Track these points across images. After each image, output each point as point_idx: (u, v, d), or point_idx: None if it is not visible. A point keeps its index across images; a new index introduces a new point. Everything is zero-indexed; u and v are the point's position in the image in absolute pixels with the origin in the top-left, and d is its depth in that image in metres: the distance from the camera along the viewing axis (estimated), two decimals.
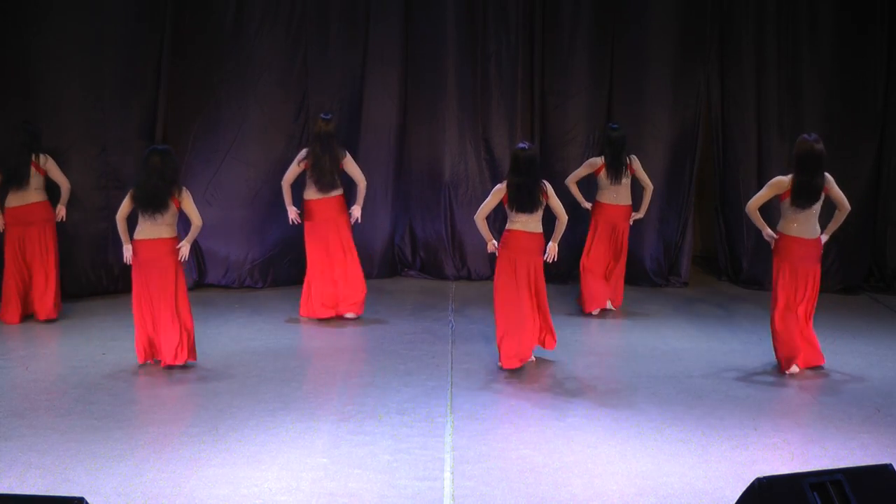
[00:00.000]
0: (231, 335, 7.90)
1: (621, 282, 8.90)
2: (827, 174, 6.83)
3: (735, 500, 3.73)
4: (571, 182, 8.76)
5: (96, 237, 8.93)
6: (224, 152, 9.33)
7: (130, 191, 6.82)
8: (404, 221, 10.38)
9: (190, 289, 9.37)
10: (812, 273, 6.93)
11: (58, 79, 8.84)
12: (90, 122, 8.88)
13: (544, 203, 6.92)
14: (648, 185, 8.77)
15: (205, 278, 9.59)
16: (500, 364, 6.90)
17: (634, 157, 8.77)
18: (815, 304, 7.00)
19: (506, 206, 6.91)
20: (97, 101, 8.92)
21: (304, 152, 8.18)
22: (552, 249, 7.07)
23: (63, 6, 8.86)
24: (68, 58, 8.87)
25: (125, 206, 6.83)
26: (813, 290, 6.95)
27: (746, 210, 7.12)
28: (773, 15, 9.97)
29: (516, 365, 6.88)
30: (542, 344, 7.13)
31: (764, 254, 9.82)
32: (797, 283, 6.88)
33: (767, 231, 7.02)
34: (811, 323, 7.01)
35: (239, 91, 9.50)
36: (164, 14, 9.18)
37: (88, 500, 3.38)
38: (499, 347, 6.91)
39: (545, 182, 6.98)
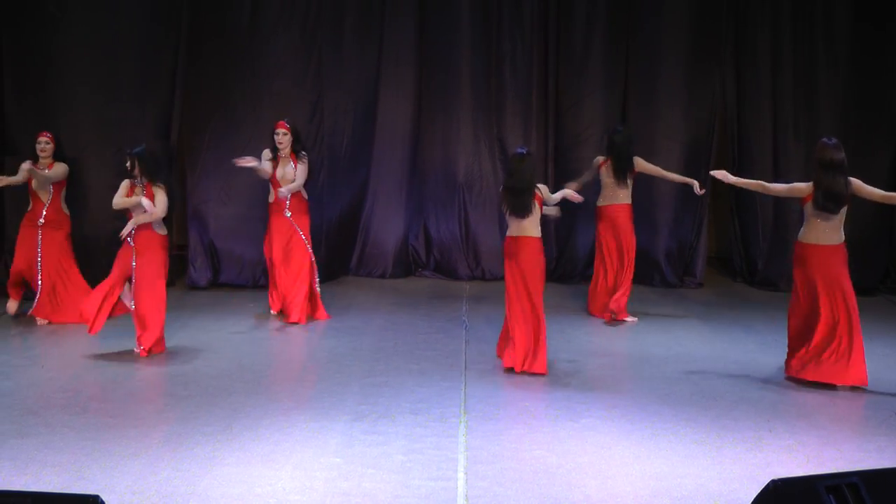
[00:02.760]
0: (245, 334, 7.92)
1: (626, 288, 8.50)
2: (853, 179, 6.55)
3: (750, 502, 3.72)
4: (571, 185, 8.24)
5: (113, 236, 8.97)
6: (239, 152, 9.34)
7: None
8: (418, 221, 10.39)
9: (204, 288, 9.47)
10: (834, 281, 6.57)
11: (74, 79, 8.90)
12: (106, 122, 8.94)
13: (537, 207, 6.91)
14: (665, 173, 8.62)
15: (219, 278, 9.63)
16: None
17: (638, 159, 8.54)
18: (849, 316, 6.55)
19: (504, 210, 6.99)
20: (113, 101, 8.98)
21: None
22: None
23: (80, 7, 8.91)
24: (85, 58, 8.93)
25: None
26: (841, 301, 6.57)
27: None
28: (788, 15, 9.94)
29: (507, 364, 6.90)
30: (525, 365, 6.83)
31: (779, 255, 9.79)
32: (815, 292, 6.60)
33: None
34: (844, 336, 6.57)
35: (254, 91, 9.53)
36: (180, 15, 9.23)
37: (103, 498, 3.39)
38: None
39: (539, 186, 6.96)
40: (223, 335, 7.80)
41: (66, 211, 8.13)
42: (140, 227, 7.07)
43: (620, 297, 8.44)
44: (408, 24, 10.06)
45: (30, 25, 8.80)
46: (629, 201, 8.56)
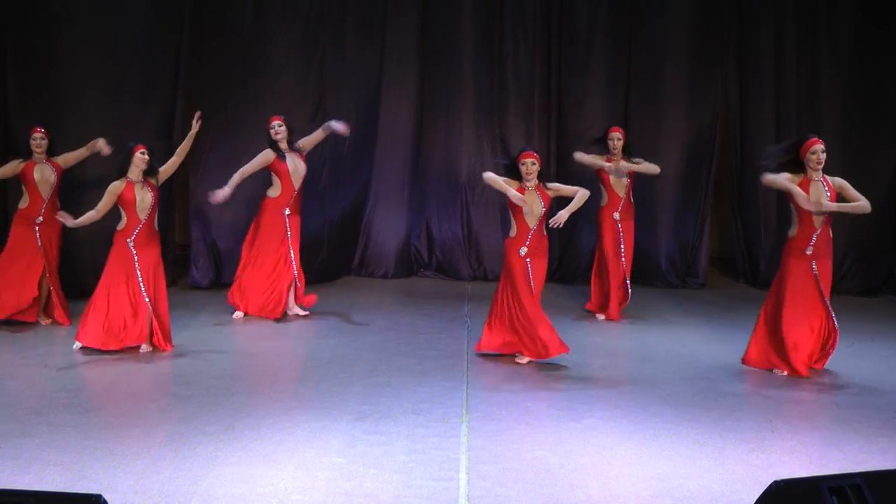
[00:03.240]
0: (247, 334, 7.93)
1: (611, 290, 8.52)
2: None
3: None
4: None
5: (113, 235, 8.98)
6: (241, 152, 9.35)
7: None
8: (420, 222, 10.40)
9: (206, 288, 9.47)
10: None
11: (77, 78, 8.90)
12: (109, 121, 8.91)
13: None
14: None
15: (221, 277, 9.63)
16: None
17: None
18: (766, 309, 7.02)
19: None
20: (116, 100, 8.97)
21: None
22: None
23: (84, 7, 8.92)
24: (88, 57, 8.93)
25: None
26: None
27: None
28: (791, 16, 9.93)
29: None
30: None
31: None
32: None
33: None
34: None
35: (256, 91, 9.54)
36: (182, 14, 9.23)
37: (106, 498, 3.39)
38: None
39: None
40: (225, 335, 7.80)
41: (58, 206, 8.06)
42: (144, 228, 7.10)
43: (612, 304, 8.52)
44: (410, 24, 10.07)
45: (34, 25, 8.81)
46: (601, 203, 8.59)
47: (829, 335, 6.86)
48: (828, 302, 6.79)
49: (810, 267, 6.77)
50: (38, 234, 7.91)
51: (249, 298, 8.30)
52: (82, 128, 8.80)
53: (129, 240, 7.11)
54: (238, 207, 9.51)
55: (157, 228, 7.26)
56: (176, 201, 9.76)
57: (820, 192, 6.68)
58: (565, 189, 7.07)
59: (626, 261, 8.52)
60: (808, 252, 6.75)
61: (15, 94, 8.89)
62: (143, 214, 7.10)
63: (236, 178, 8.16)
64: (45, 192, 7.93)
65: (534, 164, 6.93)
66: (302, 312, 8.36)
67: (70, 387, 6.38)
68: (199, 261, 9.55)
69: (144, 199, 7.09)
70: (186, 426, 5.62)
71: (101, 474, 4.88)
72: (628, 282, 8.52)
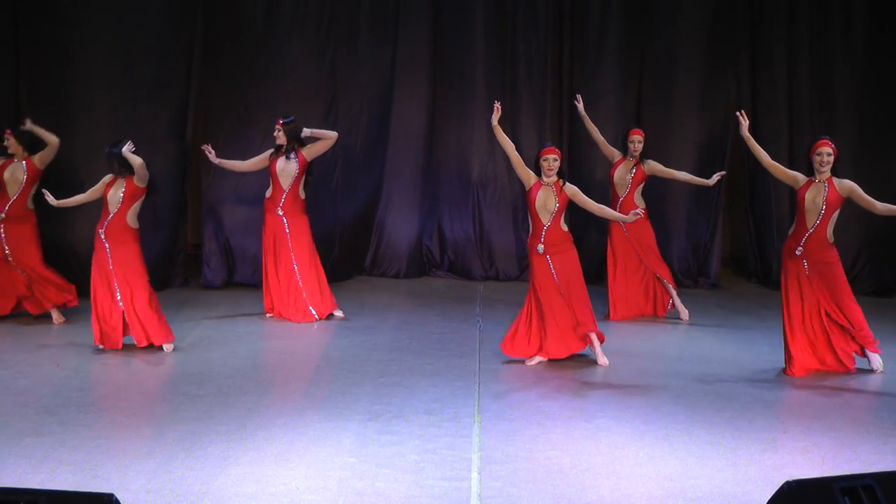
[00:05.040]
0: (260, 333, 7.95)
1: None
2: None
3: None
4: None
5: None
6: (253, 152, 9.38)
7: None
8: (432, 221, 10.40)
9: (219, 287, 9.50)
10: None
11: (90, 79, 8.95)
12: (122, 121, 8.96)
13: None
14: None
15: (234, 277, 9.66)
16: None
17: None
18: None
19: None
20: (129, 100, 9.02)
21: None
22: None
23: (96, 8, 8.97)
24: (101, 58, 8.98)
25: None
26: None
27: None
28: (805, 16, 9.88)
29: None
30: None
31: None
32: None
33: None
34: None
35: (268, 91, 9.56)
36: (194, 15, 9.27)
37: (118, 497, 3.41)
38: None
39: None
40: (237, 334, 7.83)
41: (31, 207, 8.02)
42: (113, 221, 7.16)
43: None
44: (422, 25, 10.07)
45: (46, 27, 8.86)
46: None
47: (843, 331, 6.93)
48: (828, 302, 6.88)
49: (802, 267, 6.80)
50: (2, 232, 7.94)
51: (276, 302, 8.36)
52: (95, 129, 8.85)
53: (100, 230, 7.22)
54: (251, 208, 9.54)
55: (133, 226, 7.24)
56: (188, 200, 9.80)
57: (815, 193, 6.70)
58: (585, 202, 6.97)
59: (646, 260, 8.57)
60: (798, 252, 6.77)
61: (27, 95, 8.95)
62: (112, 208, 7.20)
63: (233, 164, 8.44)
64: (13, 189, 8.00)
65: (556, 160, 6.95)
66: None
67: (82, 386, 6.41)
68: (211, 260, 9.59)
69: (116, 193, 7.20)
70: (198, 426, 5.64)
71: (113, 473, 4.90)
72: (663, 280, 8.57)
